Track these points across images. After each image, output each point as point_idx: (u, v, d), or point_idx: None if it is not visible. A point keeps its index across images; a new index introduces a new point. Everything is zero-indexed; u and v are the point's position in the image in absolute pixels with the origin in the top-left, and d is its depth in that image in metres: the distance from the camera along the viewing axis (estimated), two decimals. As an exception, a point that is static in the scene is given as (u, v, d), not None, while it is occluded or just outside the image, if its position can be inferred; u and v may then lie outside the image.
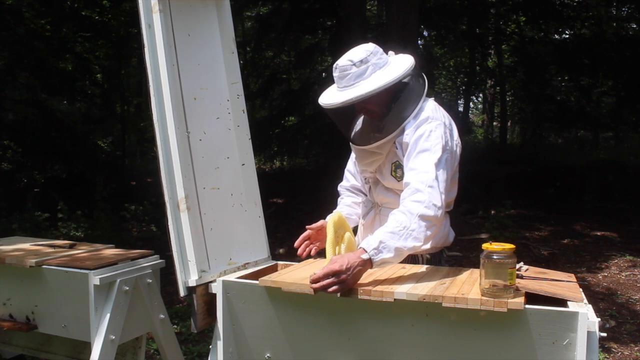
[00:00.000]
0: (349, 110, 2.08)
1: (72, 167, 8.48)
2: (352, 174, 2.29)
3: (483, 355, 1.53)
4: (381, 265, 1.69)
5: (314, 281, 1.61)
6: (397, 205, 1.83)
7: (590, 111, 14.41)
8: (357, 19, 8.60)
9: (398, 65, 1.97)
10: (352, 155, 2.27)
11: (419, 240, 1.71)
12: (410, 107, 1.94)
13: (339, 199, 2.32)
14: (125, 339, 2.39)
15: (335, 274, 1.59)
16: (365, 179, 2.19)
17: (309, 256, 2.09)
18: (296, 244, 2.07)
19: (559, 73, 14.65)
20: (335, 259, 1.64)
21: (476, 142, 17.25)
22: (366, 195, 2.23)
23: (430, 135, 1.87)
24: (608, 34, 12.44)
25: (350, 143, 2.15)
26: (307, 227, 2.09)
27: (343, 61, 1.93)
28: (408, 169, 1.86)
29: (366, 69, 1.91)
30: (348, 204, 2.26)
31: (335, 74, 1.96)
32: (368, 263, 1.65)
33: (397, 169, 1.99)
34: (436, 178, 1.80)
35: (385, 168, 2.04)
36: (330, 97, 1.98)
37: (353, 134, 2.15)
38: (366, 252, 1.65)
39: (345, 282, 1.60)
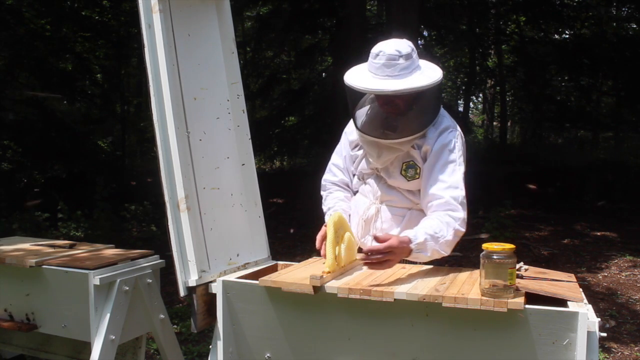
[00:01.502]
0: (360, 98, 2.10)
1: (72, 167, 8.47)
2: (340, 169, 2.25)
3: (483, 355, 1.53)
4: (413, 258, 1.82)
5: (370, 251, 1.70)
6: (400, 204, 2.02)
7: (590, 111, 14.40)
8: (357, 19, 8.59)
9: (433, 69, 2.01)
10: (340, 150, 2.24)
11: (447, 251, 1.87)
12: (434, 112, 1.99)
13: (326, 192, 2.26)
14: (125, 339, 2.39)
15: (391, 251, 1.71)
16: (362, 175, 2.16)
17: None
18: (318, 244, 2.01)
19: (559, 73, 14.64)
20: (392, 241, 1.72)
21: (476, 142, 17.22)
22: (353, 192, 2.22)
23: (455, 147, 1.95)
24: (608, 34, 12.42)
25: (365, 134, 2.05)
26: (325, 225, 2.04)
27: (390, 50, 1.91)
28: (435, 179, 1.93)
29: (411, 64, 1.93)
30: (341, 198, 2.22)
31: (378, 60, 1.92)
32: (408, 252, 1.78)
33: (409, 169, 2.01)
34: (465, 195, 1.92)
35: (393, 166, 2.03)
36: (375, 83, 1.92)
37: (367, 125, 2.08)
38: (411, 243, 1.77)
39: (390, 262, 1.74)
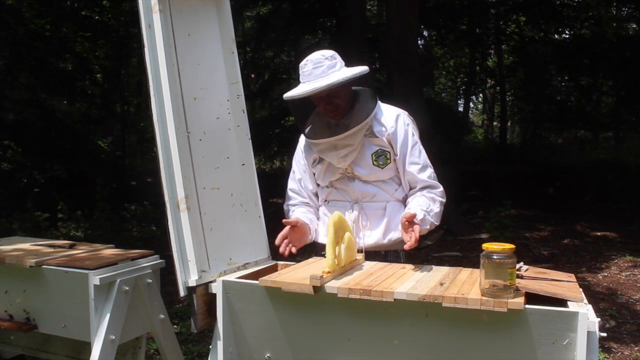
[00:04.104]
0: (309, 107, 2.22)
1: (72, 167, 8.45)
2: (295, 192, 2.34)
3: (483, 355, 1.53)
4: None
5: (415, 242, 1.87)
6: (378, 198, 2.15)
7: (590, 111, 14.41)
8: (357, 19, 8.60)
9: (358, 67, 2.16)
10: (293, 176, 2.35)
11: (438, 221, 2.10)
12: (373, 101, 2.15)
13: (291, 212, 2.31)
14: (125, 339, 2.39)
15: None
16: (331, 183, 2.23)
17: (291, 255, 2.09)
18: (277, 242, 2.07)
19: (559, 73, 14.65)
20: (418, 222, 1.91)
21: (476, 142, 17.22)
22: (313, 207, 2.32)
23: (412, 129, 2.17)
24: (608, 34, 12.44)
25: (317, 139, 2.16)
26: (283, 221, 2.10)
27: (315, 56, 2.10)
28: (410, 163, 2.14)
29: (335, 64, 2.10)
30: (304, 211, 2.29)
31: (306, 68, 2.09)
32: None
33: (379, 157, 2.14)
34: (433, 170, 2.18)
35: (363, 160, 2.14)
36: (309, 86, 2.06)
37: (315, 132, 2.20)
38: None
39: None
